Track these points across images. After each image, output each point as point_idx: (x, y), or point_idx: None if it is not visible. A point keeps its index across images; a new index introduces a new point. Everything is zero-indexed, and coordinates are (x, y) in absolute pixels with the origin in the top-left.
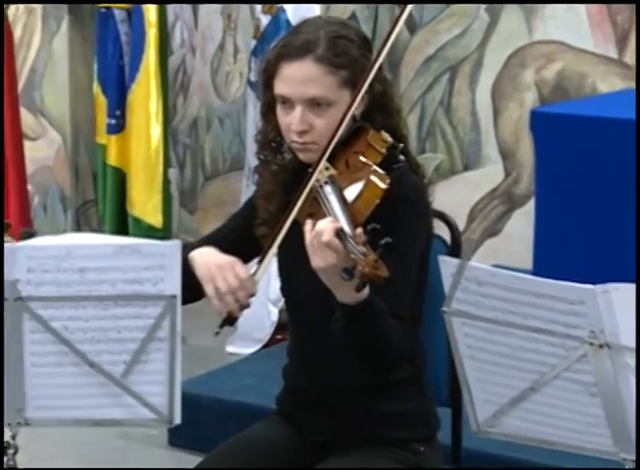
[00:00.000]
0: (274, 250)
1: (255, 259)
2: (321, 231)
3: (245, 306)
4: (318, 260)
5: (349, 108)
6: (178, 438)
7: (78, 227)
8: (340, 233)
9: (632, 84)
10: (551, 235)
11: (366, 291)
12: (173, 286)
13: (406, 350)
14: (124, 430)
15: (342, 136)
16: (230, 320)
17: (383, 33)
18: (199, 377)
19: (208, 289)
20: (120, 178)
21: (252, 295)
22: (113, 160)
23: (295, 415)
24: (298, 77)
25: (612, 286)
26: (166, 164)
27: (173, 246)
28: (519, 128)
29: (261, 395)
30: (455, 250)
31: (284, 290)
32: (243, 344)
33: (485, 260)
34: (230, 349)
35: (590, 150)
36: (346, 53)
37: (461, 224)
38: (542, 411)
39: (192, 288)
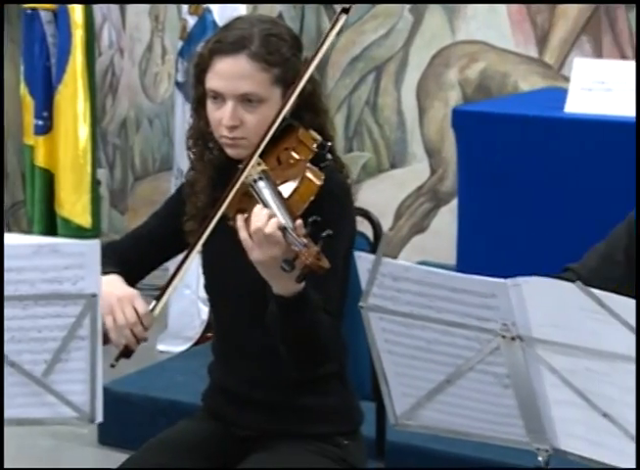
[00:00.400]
0: (199, 247)
1: (179, 256)
2: (262, 225)
3: (142, 340)
4: (257, 254)
5: (283, 107)
6: (108, 436)
7: (8, 228)
8: (281, 226)
9: (552, 83)
10: (474, 231)
11: (302, 283)
12: (93, 285)
13: (334, 344)
14: (54, 429)
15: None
16: (127, 353)
17: (309, 33)
18: (128, 375)
19: (107, 321)
20: (49, 179)
21: (147, 329)
22: (40, 161)
23: (220, 411)
24: (232, 73)
25: (522, 279)
26: (95, 165)
27: (92, 245)
28: (443, 127)
29: (191, 392)
30: (377, 246)
31: (208, 288)
32: (173, 342)
33: (413, 257)
34: (161, 347)
35: (511, 147)
36: (279, 51)
37: (388, 222)
38: (458, 403)
39: None
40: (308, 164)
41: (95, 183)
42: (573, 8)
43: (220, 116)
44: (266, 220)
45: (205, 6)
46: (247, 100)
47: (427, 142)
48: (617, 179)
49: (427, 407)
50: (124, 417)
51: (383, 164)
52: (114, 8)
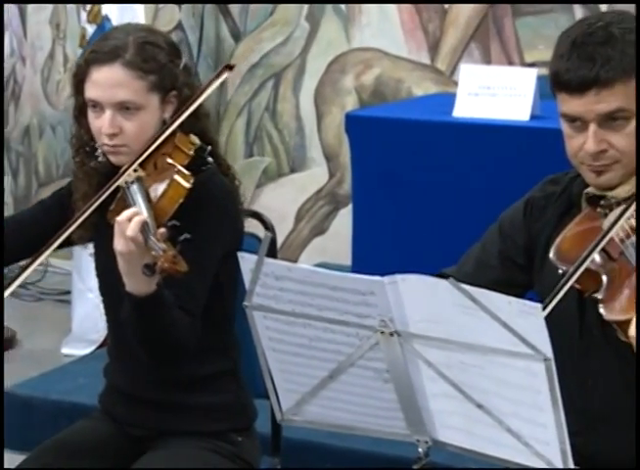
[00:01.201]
0: (63, 237)
1: None
2: (125, 219)
3: None
4: (122, 244)
5: (172, 124)
6: (11, 439)
7: None
8: (144, 227)
9: (444, 88)
10: (368, 233)
11: (154, 285)
12: None
13: (191, 342)
14: None
15: (151, 139)
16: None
17: (209, 42)
18: (31, 379)
19: None
20: None
21: None
22: None
23: (115, 412)
24: (107, 82)
25: (399, 277)
26: None
27: None
28: (341, 132)
29: (93, 394)
30: (271, 248)
31: (101, 290)
32: (78, 345)
33: (313, 259)
34: (65, 350)
35: (402, 150)
36: (155, 58)
37: (289, 225)
38: (341, 398)
39: None
40: (178, 168)
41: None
42: (463, 16)
43: (100, 124)
44: (132, 221)
45: (104, 14)
46: (124, 108)
47: (325, 147)
48: (502, 181)
49: (311, 403)
50: (27, 421)
51: (283, 169)
52: (15, 16)
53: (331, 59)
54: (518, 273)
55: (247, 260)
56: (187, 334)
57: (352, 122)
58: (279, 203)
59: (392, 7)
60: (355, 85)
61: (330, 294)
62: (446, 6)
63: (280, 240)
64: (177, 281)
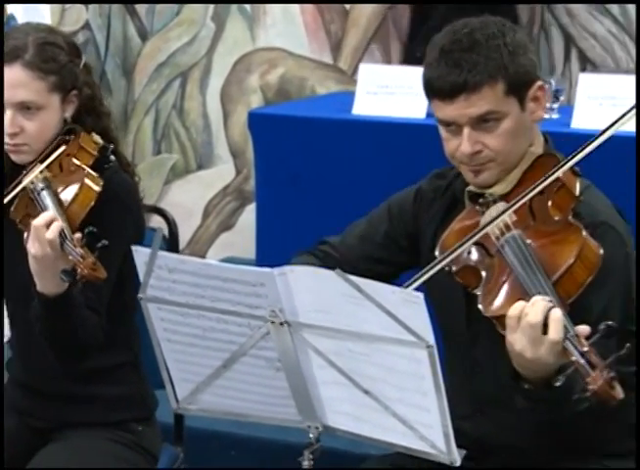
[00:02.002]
0: None
1: None
2: (43, 224)
3: None
4: (37, 248)
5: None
6: None
7: None
8: (61, 233)
9: (346, 87)
10: (272, 227)
11: (65, 285)
12: None
13: (98, 340)
14: None
15: (54, 139)
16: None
17: (116, 40)
18: None
19: None
20: None
21: None
22: None
23: (18, 405)
24: (7, 82)
25: (288, 268)
26: None
27: None
28: (247, 129)
29: None
30: (172, 242)
31: (3, 286)
32: None
33: (221, 253)
34: None
35: (304, 147)
36: (55, 59)
37: (197, 220)
38: (235, 387)
39: None
40: (87, 171)
41: None
42: (364, 17)
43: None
44: (45, 222)
45: (9, 13)
46: (25, 108)
47: (231, 144)
48: (399, 176)
49: (206, 392)
50: None
51: (190, 166)
52: None
53: (236, 58)
54: (398, 254)
55: (140, 254)
56: (95, 332)
57: (255, 120)
58: (187, 199)
59: (296, 8)
60: (260, 84)
61: (222, 285)
62: (347, 7)
63: (188, 235)
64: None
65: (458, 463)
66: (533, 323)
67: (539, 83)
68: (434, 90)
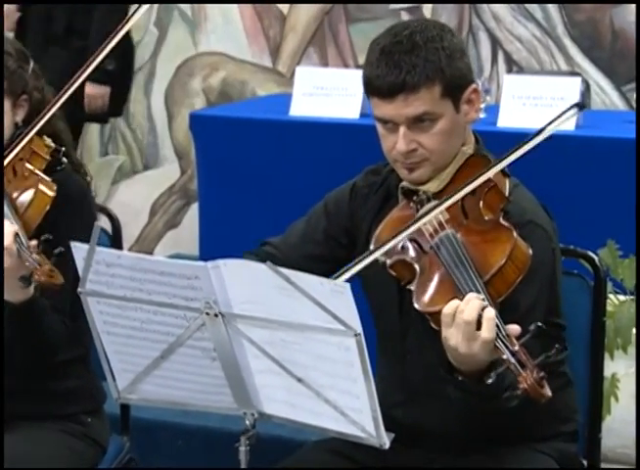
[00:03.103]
0: None
1: None
2: None
3: None
4: None
5: (31, 129)
6: None
7: None
8: (17, 239)
9: (285, 89)
10: (214, 224)
11: (30, 292)
12: None
13: (63, 338)
14: None
15: (6, 144)
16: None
17: None
18: None
19: None
20: None
21: None
22: None
23: None
24: None
25: (221, 262)
26: None
27: None
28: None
29: None
30: (116, 240)
31: None
32: None
33: (167, 250)
34: None
35: (243, 147)
36: (4, 65)
37: (144, 218)
38: (173, 377)
39: None
40: (41, 176)
41: None
42: (301, 22)
43: None
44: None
45: None
46: None
47: (176, 145)
48: (334, 173)
49: (146, 382)
50: None
51: (137, 166)
52: None
53: (179, 62)
54: (338, 250)
55: (79, 249)
56: (60, 332)
57: (196, 122)
58: (134, 198)
59: (236, 13)
60: (203, 87)
61: (158, 279)
62: (285, 12)
63: (136, 233)
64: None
65: (387, 446)
66: (468, 320)
67: (474, 86)
68: (374, 89)
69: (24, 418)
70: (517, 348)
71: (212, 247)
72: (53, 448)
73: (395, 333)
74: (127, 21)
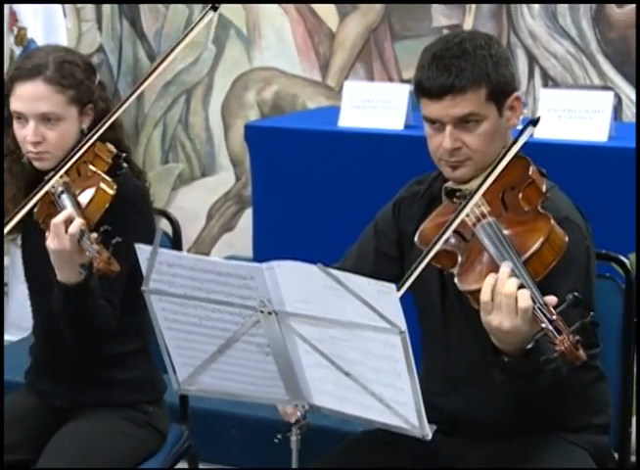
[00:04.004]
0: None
1: None
2: (62, 221)
3: None
4: (55, 243)
5: (94, 134)
6: None
7: None
8: (79, 231)
9: (334, 102)
10: (267, 229)
11: (82, 275)
12: None
13: (111, 327)
14: None
15: (73, 148)
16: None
17: (127, 61)
18: None
19: None
20: None
21: None
22: None
23: (39, 386)
24: (30, 95)
25: (275, 263)
26: None
27: None
28: (244, 141)
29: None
30: (176, 242)
31: (27, 277)
32: (13, 331)
33: (223, 252)
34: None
35: (295, 156)
36: (72, 75)
37: (201, 222)
38: (229, 370)
39: None
40: (102, 176)
41: None
42: (349, 40)
43: (25, 134)
44: (64, 219)
45: (29, 37)
46: (46, 119)
47: (232, 154)
48: (379, 182)
49: (204, 374)
50: None
51: (195, 174)
52: None
53: (235, 77)
54: (391, 265)
55: (143, 251)
56: (108, 320)
57: (252, 132)
58: (192, 203)
59: (288, 31)
60: (257, 100)
61: (216, 279)
62: (334, 30)
63: (194, 236)
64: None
65: (429, 437)
66: (508, 293)
67: (516, 94)
68: (425, 90)
69: (91, 405)
70: (554, 316)
71: (265, 249)
72: (117, 435)
73: (438, 326)
74: (192, 28)
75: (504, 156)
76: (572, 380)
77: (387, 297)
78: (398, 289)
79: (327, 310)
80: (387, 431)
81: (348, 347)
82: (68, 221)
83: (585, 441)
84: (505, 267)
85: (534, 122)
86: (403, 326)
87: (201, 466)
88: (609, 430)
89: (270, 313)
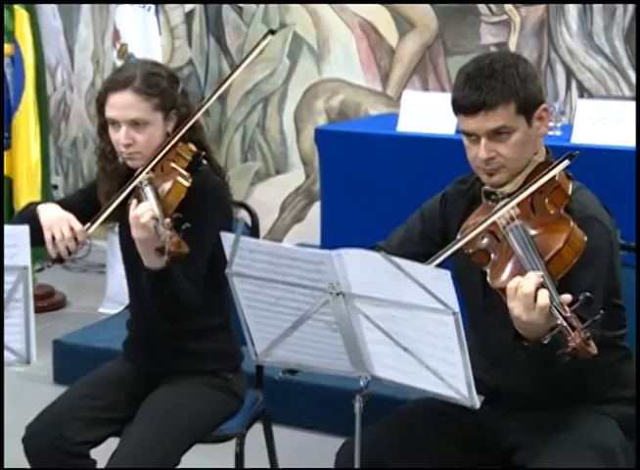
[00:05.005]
0: (100, 220)
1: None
2: (140, 213)
3: (73, 253)
4: (136, 232)
5: (174, 137)
6: (61, 377)
7: None
8: (154, 217)
9: (393, 110)
10: (333, 220)
11: (164, 260)
12: (24, 259)
13: (193, 304)
14: (19, 372)
15: (159, 149)
16: (59, 261)
17: (213, 73)
18: (76, 331)
19: (47, 235)
20: (10, 184)
21: (83, 244)
22: (5, 170)
23: (134, 355)
24: (122, 104)
25: (343, 251)
26: (49, 174)
27: (23, 229)
28: (314, 143)
29: (121, 342)
30: (255, 231)
31: (124, 260)
32: (111, 305)
33: (294, 240)
34: (101, 310)
35: (358, 156)
36: (157, 85)
37: (275, 214)
38: (301, 344)
39: (36, 234)
40: (180, 171)
41: (51, 187)
42: (407, 55)
43: (118, 137)
44: (145, 213)
45: (130, 52)
46: (136, 124)
47: (302, 154)
48: (432, 179)
49: (279, 347)
50: (73, 362)
51: (270, 171)
52: (65, 54)
53: (306, 87)
54: (431, 247)
55: (227, 238)
56: (190, 297)
57: (320, 135)
58: (267, 198)
59: (354, 47)
60: (325, 107)
61: (291, 263)
62: (394, 46)
63: (268, 226)
64: (184, 258)
65: (478, 406)
66: (527, 293)
67: (544, 106)
68: (460, 107)
69: (178, 373)
70: (568, 313)
71: (331, 237)
72: (201, 398)
73: (480, 311)
74: (256, 46)
75: (536, 181)
76: (602, 358)
77: (441, 282)
78: (430, 262)
79: (388, 293)
80: (436, 399)
81: (407, 325)
82: (144, 213)
83: (614, 411)
84: (531, 271)
85: (571, 157)
86: (456, 308)
87: (273, 427)
88: (635, 403)
89: (338, 295)
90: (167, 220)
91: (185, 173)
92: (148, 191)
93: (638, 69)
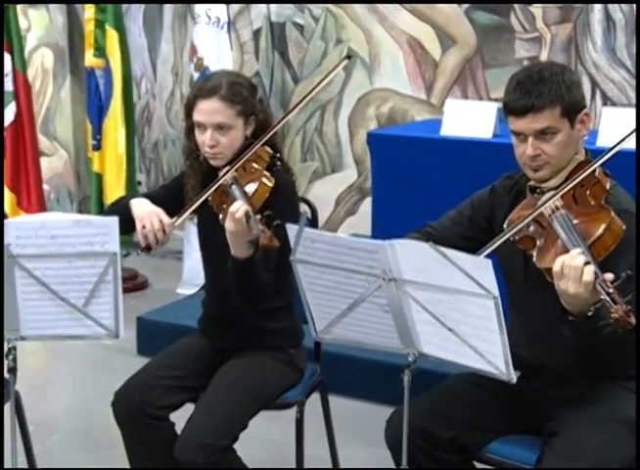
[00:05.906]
0: (187, 214)
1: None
2: (236, 210)
3: (162, 243)
4: (230, 225)
5: (260, 141)
6: (144, 349)
7: (80, 213)
8: (247, 214)
9: (436, 116)
10: (383, 214)
11: (250, 251)
12: (114, 246)
13: (269, 289)
14: (106, 344)
15: (240, 150)
16: (148, 250)
17: (277, 84)
18: (157, 309)
19: (138, 226)
20: (100, 180)
21: (169, 235)
22: (96, 168)
23: (208, 331)
24: (209, 110)
25: (395, 241)
26: (134, 171)
27: (113, 220)
28: (366, 145)
29: (196, 319)
30: (314, 222)
31: (201, 248)
32: (187, 287)
33: (347, 231)
34: (179, 290)
35: (405, 158)
36: (240, 93)
37: (330, 208)
38: (356, 323)
39: (126, 224)
40: (264, 172)
41: (136, 183)
42: (449, 68)
43: (204, 139)
44: (240, 208)
45: (205, 65)
46: (220, 127)
47: (355, 155)
48: (472, 179)
49: (337, 326)
50: (154, 336)
51: (326, 170)
52: (149, 67)
53: (359, 95)
54: (478, 232)
55: (291, 229)
56: (267, 283)
57: (372, 139)
58: (324, 193)
59: (401, 60)
60: (376, 114)
61: (348, 252)
62: (437, 60)
63: (324, 218)
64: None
65: (514, 381)
66: (576, 266)
67: (586, 111)
68: (511, 109)
69: (248, 348)
70: (611, 289)
71: (381, 229)
72: (267, 370)
73: (522, 293)
74: (334, 68)
75: (580, 174)
76: (625, 338)
77: (483, 269)
78: (481, 253)
79: (435, 279)
80: (476, 374)
81: (451, 308)
82: (239, 208)
83: (636, 386)
84: (576, 249)
85: (605, 172)
86: (496, 293)
87: (329, 396)
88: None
89: (390, 280)
90: (258, 216)
91: (268, 174)
92: (234, 189)
93: (638, 73)
